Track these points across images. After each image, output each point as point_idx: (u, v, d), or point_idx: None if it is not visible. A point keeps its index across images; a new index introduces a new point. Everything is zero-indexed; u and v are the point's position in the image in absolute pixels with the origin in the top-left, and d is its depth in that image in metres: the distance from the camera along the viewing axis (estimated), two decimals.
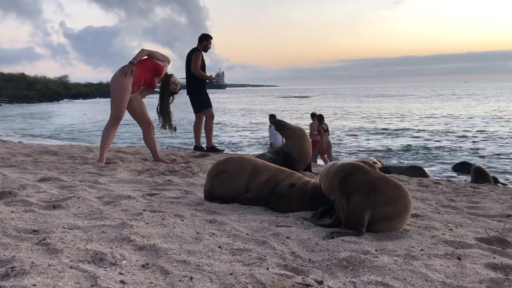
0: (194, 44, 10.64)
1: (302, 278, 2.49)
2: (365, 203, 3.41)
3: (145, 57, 7.61)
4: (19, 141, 16.01)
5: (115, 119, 7.51)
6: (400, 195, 3.54)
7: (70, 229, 3.25)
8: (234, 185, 4.45)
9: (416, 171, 9.70)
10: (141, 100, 7.94)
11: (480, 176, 8.88)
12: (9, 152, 8.89)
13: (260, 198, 4.34)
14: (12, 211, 3.75)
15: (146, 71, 7.59)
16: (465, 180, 11.62)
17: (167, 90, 7.96)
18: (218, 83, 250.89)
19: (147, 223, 3.51)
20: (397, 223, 3.53)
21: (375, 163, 3.78)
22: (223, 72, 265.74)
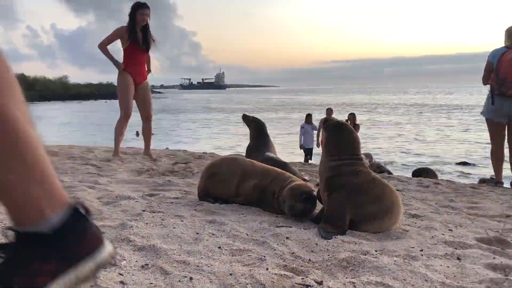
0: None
1: (302, 279, 2.49)
2: (345, 201, 3.48)
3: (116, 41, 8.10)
4: None
5: (123, 117, 8.18)
6: (385, 193, 3.59)
7: None
8: (225, 190, 4.41)
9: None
10: (147, 90, 8.44)
11: (430, 175, 9.06)
12: None
13: (251, 202, 4.30)
14: None
15: (131, 62, 8.10)
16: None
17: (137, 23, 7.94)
18: (219, 84, 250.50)
19: (146, 223, 3.51)
20: (388, 220, 3.55)
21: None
22: (223, 73, 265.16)
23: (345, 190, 3.50)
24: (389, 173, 9.90)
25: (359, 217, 3.49)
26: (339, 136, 3.65)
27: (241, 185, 4.32)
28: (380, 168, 10.29)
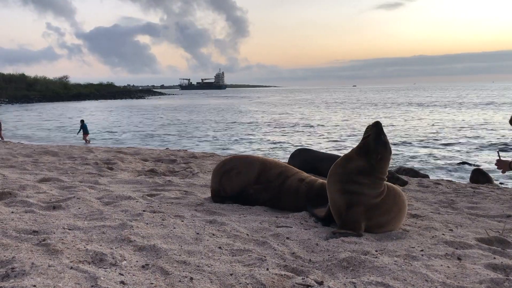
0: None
1: (302, 279, 2.49)
2: (362, 215, 3.54)
3: None
4: (19, 142, 16.03)
5: None
6: (394, 204, 3.66)
7: (70, 229, 3.25)
8: (243, 181, 4.51)
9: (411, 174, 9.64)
10: None
11: (480, 176, 8.90)
12: (9, 153, 8.91)
13: (271, 189, 4.40)
14: (12, 212, 3.75)
15: None
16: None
17: None
18: (218, 84, 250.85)
19: (147, 223, 3.51)
20: (393, 226, 3.66)
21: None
22: (223, 73, 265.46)
23: (363, 207, 3.55)
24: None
25: (371, 225, 3.59)
26: (383, 156, 3.57)
27: (263, 174, 4.48)
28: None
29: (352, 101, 59.85)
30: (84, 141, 18.29)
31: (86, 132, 18.66)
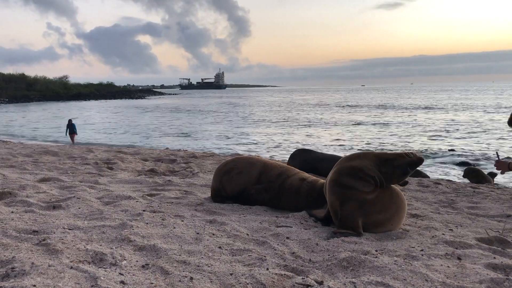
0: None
1: (302, 279, 2.49)
2: (357, 211, 3.53)
3: None
4: (19, 142, 16.03)
5: None
6: (391, 202, 3.66)
7: (70, 229, 3.25)
8: (244, 181, 4.51)
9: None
10: None
11: (479, 176, 8.90)
12: (9, 153, 8.92)
13: (271, 189, 4.41)
14: (12, 212, 3.75)
15: None
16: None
17: None
18: (218, 83, 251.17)
19: (147, 223, 3.51)
20: (391, 225, 3.65)
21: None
22: (222, 73, 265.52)
23: (358, 202, 3.56)
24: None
25: (368, 224, 3.58)
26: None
27: (264, 174, 4.49)
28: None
29: (354, 102, 60.26)
30: (71, 142, 17.70)
31: (73, 132, 18.26)
